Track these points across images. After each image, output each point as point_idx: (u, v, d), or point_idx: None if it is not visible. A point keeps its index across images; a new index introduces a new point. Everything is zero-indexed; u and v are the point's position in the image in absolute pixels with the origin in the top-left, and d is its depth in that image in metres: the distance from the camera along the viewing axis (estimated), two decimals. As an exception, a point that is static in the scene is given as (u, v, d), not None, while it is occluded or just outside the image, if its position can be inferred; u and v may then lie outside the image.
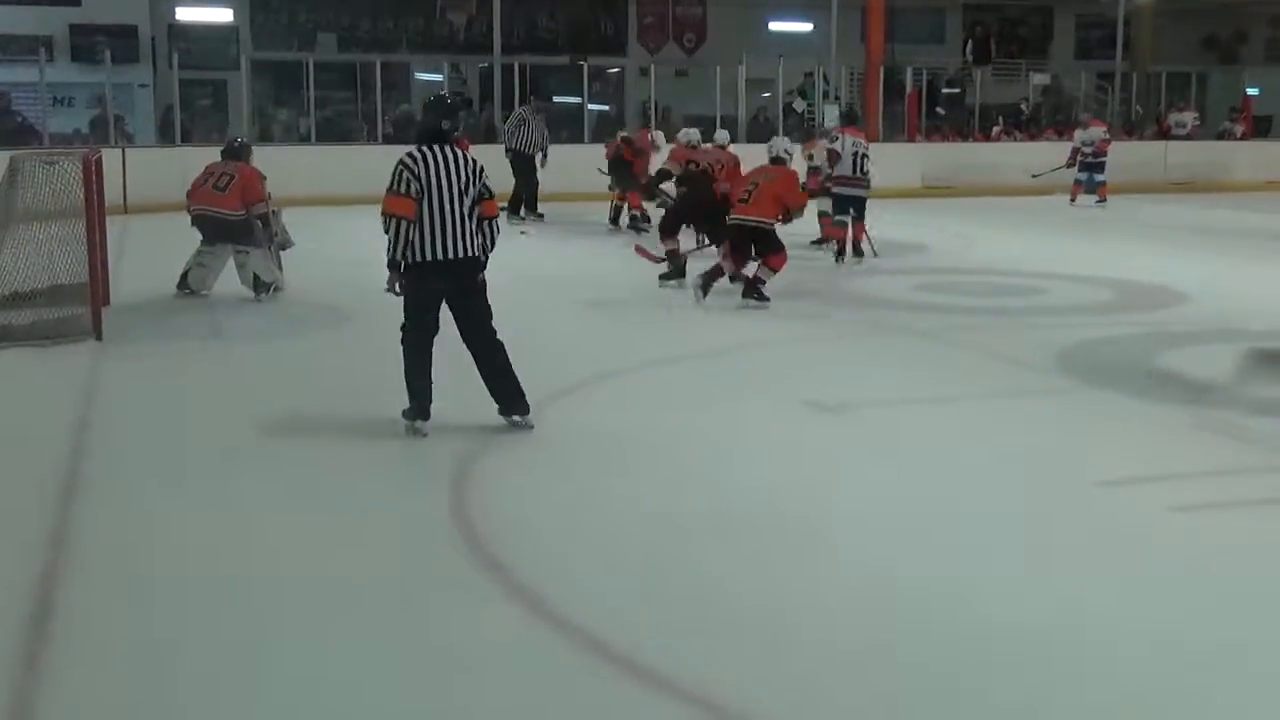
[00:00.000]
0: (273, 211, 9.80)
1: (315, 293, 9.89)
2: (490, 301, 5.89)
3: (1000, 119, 23.23)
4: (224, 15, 23.74)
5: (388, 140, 19.80)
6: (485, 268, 5.87)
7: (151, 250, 11.39)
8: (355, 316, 8.94)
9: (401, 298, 5.83)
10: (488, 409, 5.98)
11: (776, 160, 9.97)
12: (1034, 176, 18.96)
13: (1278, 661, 3.69)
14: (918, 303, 9.96)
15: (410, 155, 5.69)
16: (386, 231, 5.68)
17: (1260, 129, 24.41)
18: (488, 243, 5.83)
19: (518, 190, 15.70)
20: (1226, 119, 23.65)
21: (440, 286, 5.73)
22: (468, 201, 5.70)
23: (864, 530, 4.72)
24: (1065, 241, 14.21)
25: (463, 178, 5.69)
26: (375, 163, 15.69)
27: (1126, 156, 19.83)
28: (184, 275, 9.77)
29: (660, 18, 26.93)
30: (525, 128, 15.98)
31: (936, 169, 20.46)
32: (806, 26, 25.16)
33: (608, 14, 26.32)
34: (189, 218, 9.82)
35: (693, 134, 13.44)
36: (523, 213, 15.62)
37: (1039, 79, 25.37)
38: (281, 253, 9.94)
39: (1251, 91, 25.24)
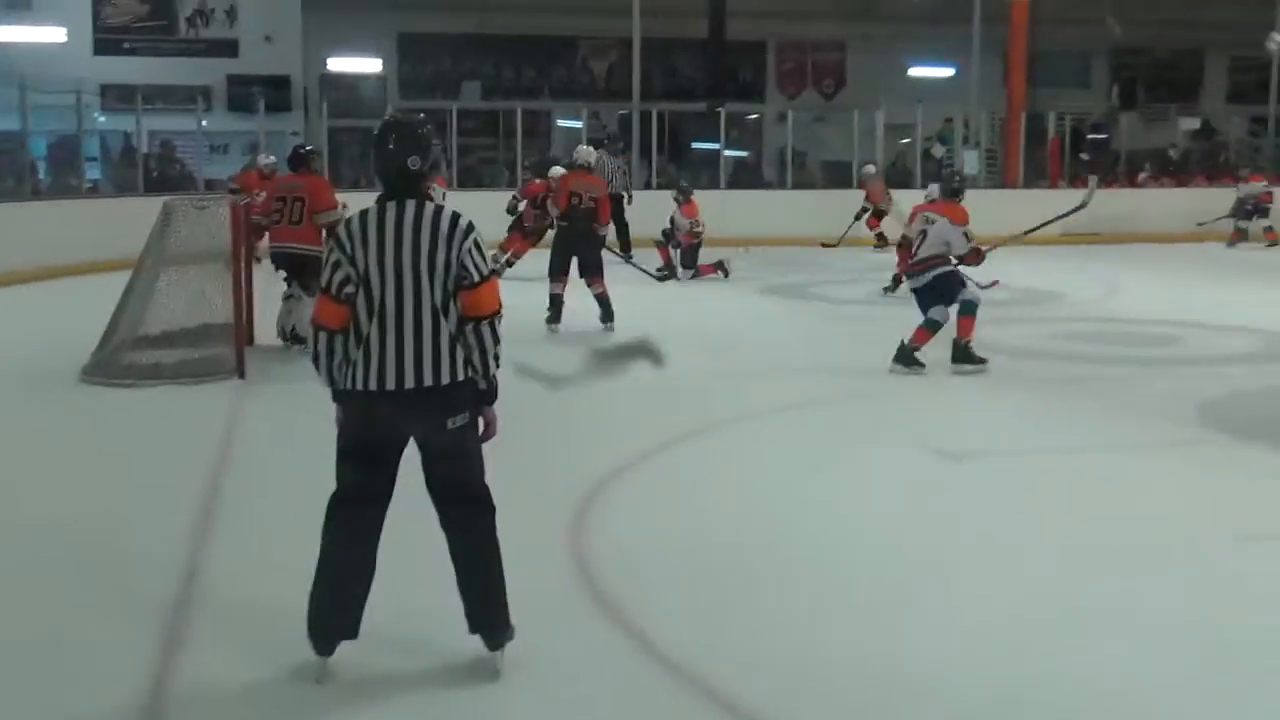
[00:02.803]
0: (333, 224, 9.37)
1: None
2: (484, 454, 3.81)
3: (1148, 164, 22.71)
4: (373, 65, 24.53)
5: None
6: (472, 398, 3.70)
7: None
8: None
9: None
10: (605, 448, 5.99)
11: None
12: (1199, 225, 18.58)
13: None
14: (1054, 351, 9.76)
15: (349, 224, 3.69)
16: (307, 346, 3.92)
17: None
18: (476, 358, 3.65)
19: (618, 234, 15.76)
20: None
21: (379, 432, 3.68)
22: (434, 292, 3.60)
23: (984, 581, 4.62)
24: (1210, 289, 13.80)
25: (426, 253, 3.60)
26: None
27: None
28: (279, 326, 9.39)
29: (799, 64, 27.02)
30: (602, 170, 16.21)
31: (1079, 216, 20.01)
32: (947, 71, 24.97)
33: (747, 60, 26.49)
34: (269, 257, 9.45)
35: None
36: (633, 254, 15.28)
37: (1188, 123, 24.75)
38: None
39: None
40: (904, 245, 9.10)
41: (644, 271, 13.45)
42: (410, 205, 3.64)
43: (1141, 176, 22.23)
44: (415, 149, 3.68)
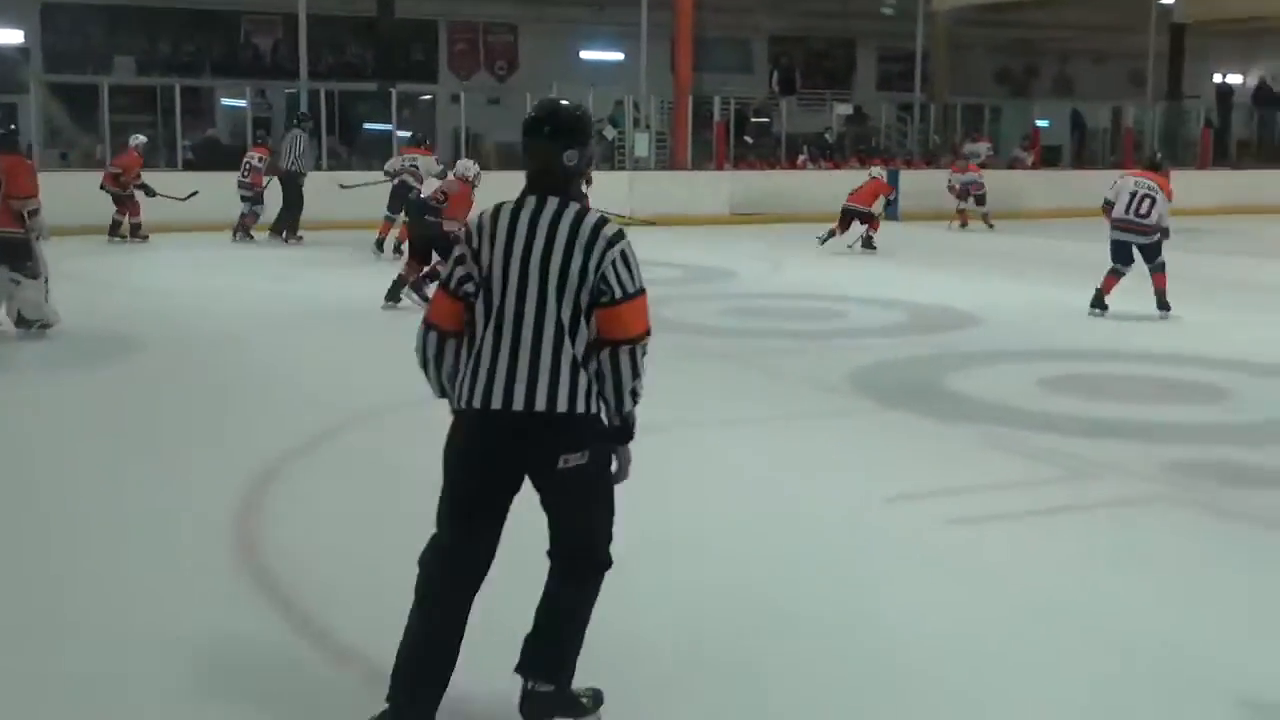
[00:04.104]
0: (30, 212, 8.83)
1: (102, 324, 9.52)
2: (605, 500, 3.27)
3: (805, 147, 23.84)
4: (14, 36, 22.92)
5: (188, 166, 19.31)
6: (595, 436, 3.16)
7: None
8: (148, 347, 8.73)
9: None
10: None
11: None
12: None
13: (1050, 660, 3.82)
14: (723, 327, 10.11)
15: (481, 216, 3.19)
16: (418, 351, 3.25)
17: (1049, 159, 25.58)
18: (608, 388, 3.15)
19: (288, 213, 15.99)
20: (1018, 149, 24.70)
21: (485, 462, 3.16)
22: (561, 305, 3.09)
23: (655, 550, 4.72)
24: (866, 266, 14.64)
25: (559, 259, 3.09)
26: (175, 187, 15.40)
27: (924, 184, 20.54)
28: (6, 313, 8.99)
29: (471, 45, 26.96)
30: (295, 145, 16.25)
31: (744, 196, 20.85)
32: (617, 55, 25.49)
33: (419, 40, 26.18)
34: None
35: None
36: (285, 235, 15.93)
37: (842, 109, 26.14)
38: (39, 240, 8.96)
39: (1041, 123, 26.43)
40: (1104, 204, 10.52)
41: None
42: (551, 203, 3.12)
43: (800, 159, 23.31)
44: (574, 142, 3.16)
